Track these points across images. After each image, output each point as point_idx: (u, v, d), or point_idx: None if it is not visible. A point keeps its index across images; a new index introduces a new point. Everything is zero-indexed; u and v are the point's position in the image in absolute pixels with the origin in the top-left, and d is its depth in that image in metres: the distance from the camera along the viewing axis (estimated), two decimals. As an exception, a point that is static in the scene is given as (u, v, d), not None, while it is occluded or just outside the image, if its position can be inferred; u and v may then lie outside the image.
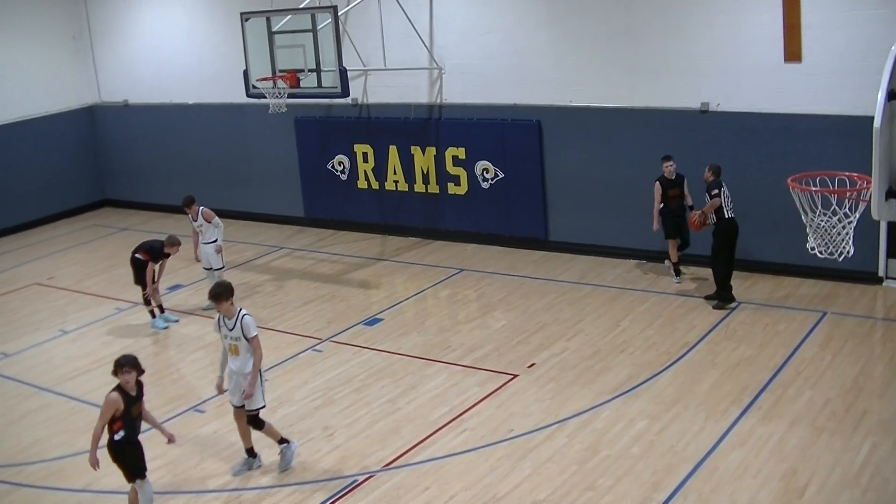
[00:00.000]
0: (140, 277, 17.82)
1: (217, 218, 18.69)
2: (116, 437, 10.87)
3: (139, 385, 11.08)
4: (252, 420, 12.20)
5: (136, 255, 17.81)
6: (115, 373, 10.90)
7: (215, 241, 18.60)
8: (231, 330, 11.94)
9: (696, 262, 18.06)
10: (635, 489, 11.30)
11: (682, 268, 18.09)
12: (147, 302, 18.03)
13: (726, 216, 16.16)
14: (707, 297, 16.47)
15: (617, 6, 18.41)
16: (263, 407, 12.26)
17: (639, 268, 18.88)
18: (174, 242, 17.86)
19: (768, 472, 11.40)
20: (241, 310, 12.05)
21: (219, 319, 12.10)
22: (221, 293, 12.02)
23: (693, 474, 11.48)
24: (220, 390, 12.29)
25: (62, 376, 16.24)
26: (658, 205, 17.59)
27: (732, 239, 16.40)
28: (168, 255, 17.95)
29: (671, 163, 17.42)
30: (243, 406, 12.14)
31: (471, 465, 12.17)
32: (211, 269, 18.74)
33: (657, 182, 17.57)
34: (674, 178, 17.48)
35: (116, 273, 21.61)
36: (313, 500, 11.71)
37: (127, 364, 10.86)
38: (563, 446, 12.42)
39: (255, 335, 11.96)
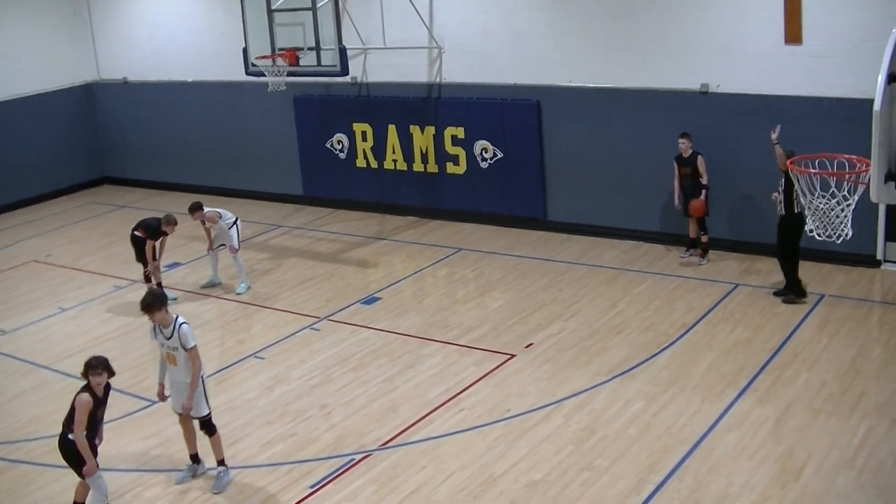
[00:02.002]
0: (140, 255, 17.77)
1: (222, 218, 18.24)
2: (71, 436, 10.71)
3: (107, 387, 10.89)
4: (204, 425, 11.78)
5: (135, 232, 17.75)
6: (86, 374, 10.66)
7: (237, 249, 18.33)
8: (168, 339, 11.50)
9: (712, 246, 18.01)
10: (631, 470, 11.33)
11: (696, 251, 18.11)
12: (147, 279, 17.97)
13: (795, 210, 15.73)
14: (776, 293, 16.18)
15: (617, -14, 18.41)
16: (209, 413, 11.81)
17: (637, 248, 18.88)
18: (170, 221, 17.66)
19: (765, 453, 11.44)
20: (177, 317, 11.58)
21: (155, 328, 11.61)
22: (152, 303, 11.48)
23: (690, 455, 11.52)
24: (162, 398, 11.97)
25: (60, 354, 16.26)
26: (675, 182, 17.60)
27: (800, 233, 15.98)
28: (166, 234, 17.79)
29: (683, 140, 17.35)
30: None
31: (468, 445, 12.20)
32: (221, 246, 18.56)
33: (675, 159, 17.57)
34: (687, 156, 17.42)
35: (114, 251, 21.61)
36: (311, 478, 11.74)
37: (99, 366, 10.65)
38: (560, 426, 12.45)
39: (194, 345, 11.44)
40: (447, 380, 14.07)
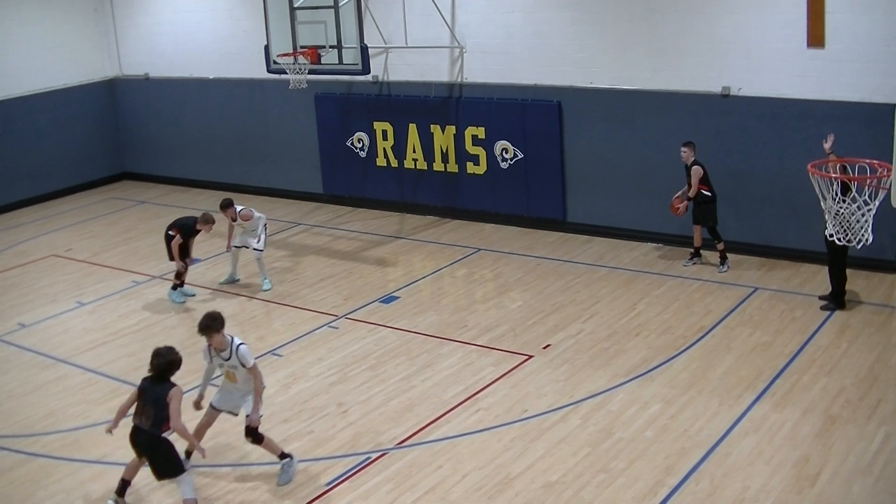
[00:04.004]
0: (170, 253, 17.71)
1: (255, 216, 18.16)
2: (166, 434, 10.83)
3: None
4: (251, 433, 11.68)
5: (169, 232, 17.67)
6: (173, 371, 10.90)
7: (262, 248, 18.21)
8: (227, 360, 11.51)
9: (732, 249, 17.89)
10: (648, 472, 11.31)
11: (699, 259, 18.06)
12: (178, 275, 17.88)
13: None
14: (822, 297, 16.01)
15: (640, -12, 18.38)
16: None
17: (656, 251, 18.84)
18: (207, 220, 17.56)
19: (781, 458, 11.40)
20: (233, 339, 11.55)
21: (209, 350, 11.61)
22: (210, 325, 11.44)
23: (706, 459, 11.49)
24: (198, 407, 11.96)
25: (78, 348, 16.32)
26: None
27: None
28: (198, 232, 17.68)
29: (684, 148, 17.25)
30: (224, 411, 11.97)
31: (484, 445, 12.20)
32: (244, 247, 18.44)
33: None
34: (689, 164, 17.29)
35: (134, 246, 21.71)
36: (326, 476, 11.76)
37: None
38: (577, 428, 12.43)
39: (254, 364, 11.49)
40: (464, 380, 14.07)
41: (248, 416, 11.61)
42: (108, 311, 17.95)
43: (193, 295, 17.99)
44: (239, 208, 18.09)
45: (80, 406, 14.17)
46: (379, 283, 18.41)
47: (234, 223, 18.27)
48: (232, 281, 18.72)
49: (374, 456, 12.13)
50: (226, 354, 11.50)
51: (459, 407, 13.25)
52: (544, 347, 14.96)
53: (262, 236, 18.21)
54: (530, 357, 14.65)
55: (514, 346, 15.12)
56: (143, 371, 15.01)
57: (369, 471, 11.79)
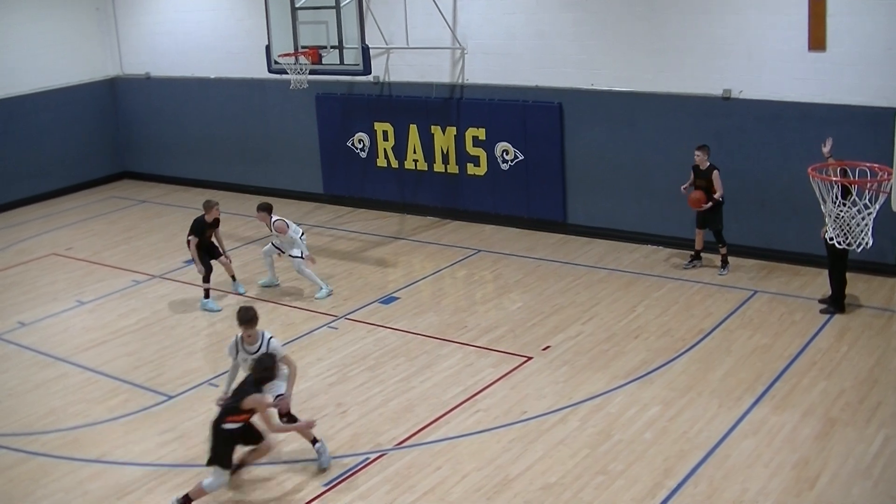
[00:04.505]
0: (194, 260, 17.49)
1: (290, 229, 17.64)
2: (230, 426, 11.01)
3: None
4: (285, 414, 11.94)
5: (188, 238, 17.43)
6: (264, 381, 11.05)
7: (300, 255, 17.63)
8: (254, 354, 11.71)
9: (732, 251, 17.81)
10: (647, 474, 11.31)
11: (699, 262, 18.03)
12: (205, 280, 17.57)
13: None
14: (821, 300, 16.05)
15: (641, -10, 18.38)
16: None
17: (656, 253, 18.84)
18: (209, 205, 17.38)
19: (780, 461, 11.40)
20: (263, 333, 11.99)
21: (237, 344, 11.94)
22: (255, 317, 11.93)
23: (705, 461, 11.49)
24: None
25: (78, 346, 16.33)
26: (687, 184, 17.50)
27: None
28: (210, 222, 17.42)
29: (699, 152, 17.16)
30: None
31: (483, 446, 12.20)
32: (280, 252, 18.05)
33: (692, 168, 17.46)
34: (704, 168, 17.19)
35: (134, 245, 21.72)
36: (324, 476, 11.76)
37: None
38: (576, 430, 12.44)
39: (286, 353, 12.02)
40: (464, 381, 14.07)
41: (279, 397, 11.83)
42: (108, 310, 17.95)
43: (219, 310, 17.53)
44: (275, 219, 17.64)
45: (79, 405, 14.17)
46: (379, 283, 18.41)
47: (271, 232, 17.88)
48: (272, 285, 18.51)
49: (373, 456, 12.14)
50: (254, 348, 11.80)
51: (459, 408, 13.25)
52: (544, 349, 14.96)
53: (304, 247, 17.74)
54: (530, 358, 14.65)
55: (514, 347, 15.11)
56: (142, 371, 15.20)
57: (368, 471, 11.79)
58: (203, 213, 17.49)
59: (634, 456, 11.73)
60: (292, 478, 11.82)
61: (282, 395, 11.88)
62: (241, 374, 11.84)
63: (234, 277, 18.27)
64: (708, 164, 17.14)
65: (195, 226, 17.43)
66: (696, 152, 17.18)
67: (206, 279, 17.58)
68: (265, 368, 11.06)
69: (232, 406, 11.03)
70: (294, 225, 17.88)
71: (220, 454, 11.09)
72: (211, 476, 11.08)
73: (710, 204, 17.07)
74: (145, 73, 27.36)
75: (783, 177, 17.28)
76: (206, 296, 17.66)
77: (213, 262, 17.65)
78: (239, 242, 21.01)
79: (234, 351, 12.02)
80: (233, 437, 11.14)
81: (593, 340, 15.15)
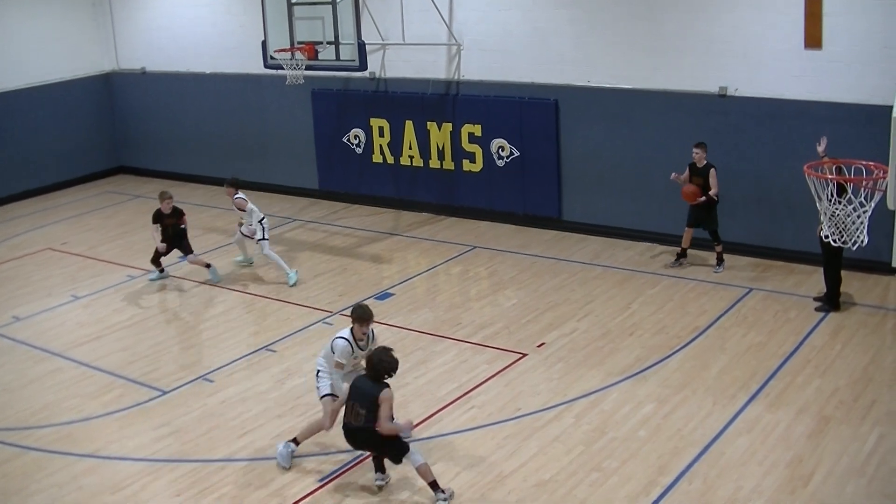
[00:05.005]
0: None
1: (247, 209, 18.62)
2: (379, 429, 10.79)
3: None
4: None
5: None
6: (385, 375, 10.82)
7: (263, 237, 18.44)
8: (364, 350, 11.74)
9: (727, 249, 17.80)
10: (641, 471, 11.32)
11: (685, 260, 18.03)
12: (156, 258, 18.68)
13: None
14: (816, 298, 16.02)
15: (638, -13, 18.37)
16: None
17: (651, 250, 18.84)
18: (163, 196, 18.42)
19: (774, 458, 11.41)
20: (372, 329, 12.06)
21: (354, 343, 11.73)
22: (372, 315, 11.93)
23: (699, 459, 11.50)
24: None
25: (73, 341, 16.31)
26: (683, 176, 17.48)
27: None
28: (168, 215, 18.32)
29: (697, 150, 17.13)
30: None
31: (477, 443, 12.20)
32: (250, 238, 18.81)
33: (688, 165, 17.45)
34: (701, 166, 17.16)
35: (130, 240, 21.70)
36: (319, 472, 11.76)
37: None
38: (570, 427, 12.44)
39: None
40: (458, 377, 14.07)
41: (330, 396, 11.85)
42: (103, 305, 17.93)
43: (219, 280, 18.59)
44: (238, 195, 18.59)
45: (73, 400, 14.16)
46: (374, 279, 18.40)
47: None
48: (247, 263, 19.28)
49: (367, 453, 12.11)
50: (364, 343, 11.82)
51: (453, 404, 13.25)
52: (538, 346, 14.96)
53: (258, 231, 18.25)
54: (524, 355, 14.65)
55: (509, 344, 15.11)
56: (137, 366, 15.19)
57: (363, 467, 11.78)
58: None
59: (629, 453, 11.73)
60: (287, 473, 11.81)
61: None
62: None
63: (208, 265, 18.74)
64: (705, 161, 17.13)
65: (154, 217, 18.47)
66: (695, 150, 17.15)
67: (156, 260, 18.81)
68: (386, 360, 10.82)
69: (371, 416, 10.72)
70: (257, 210, 18.54)
71: (399, 447, 10.89)
72: (412, 457, 10.87)
73: (704, 199, 17.05)
74: (141, 68, 27.33)
75: (779, 174, 17.28)
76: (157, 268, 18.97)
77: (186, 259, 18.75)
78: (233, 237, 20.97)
79: (351, 354, 11.73)
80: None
81: (588, 337, 15.15)
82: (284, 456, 11.95)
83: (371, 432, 10.75)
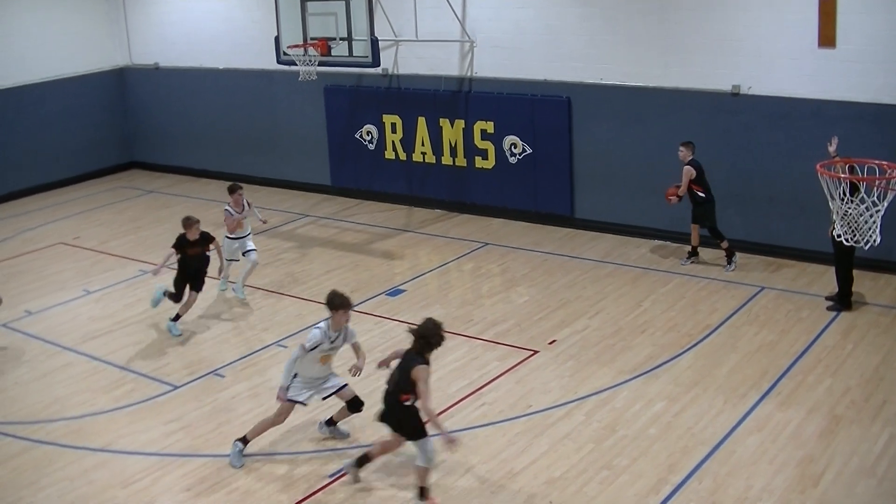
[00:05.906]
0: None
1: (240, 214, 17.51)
2: (409, 402, 10.74)
3: None
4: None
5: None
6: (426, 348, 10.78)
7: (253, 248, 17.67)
8: (333, 342, 11.77)
9: (738, 248, 17.80)
10: (651, 470, 11.31)
11: (696, 258, 18.06)
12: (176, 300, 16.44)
13: None
14: (828, 297, 15.99)
15: (651, -15, 18.35)
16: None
17: (663, 248, 18.83)
18: (189, 222, 16.04)
19: (785, 458, 11.39)
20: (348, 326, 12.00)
21: (326, 332, 11.65)
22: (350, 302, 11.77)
23: (710, 457, 11.49)
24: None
25: (85, 336, 16.35)
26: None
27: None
28: (193, 242, 16.08)
29: (681, 148, 17.25)
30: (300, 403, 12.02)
31: (488, 440, 12.21)
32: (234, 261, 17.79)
33: None
34: (685, 163, 17.25)
35: (142, 235, 21.75)
36: (329, 468, 11.77)
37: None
38: (581, 424, 12.43)
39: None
40: (469, 374, 14.07)
41: (355, 366, 12.05)
42: (115, 299, 17.97)
43: (179, 335, 16.31)
44: (226, 207, 17.50)
45: (85, 394, 14.19)
46: (385, 276, 18.41)
47: (241, 214, 17.47)
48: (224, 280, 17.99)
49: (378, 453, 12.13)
50: (334, 335, 11.76)
51: (464, 401, 13.26)
52: (550, 343, 14.96)
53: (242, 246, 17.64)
54: (536, 352, 14.65)
55: (520, 341, 15.11)
56: (147, 361, 15.23)
57: (373, 464, 11.77)
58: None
59: (639, 451, 11.73)
60: (298, 468, 11.83)
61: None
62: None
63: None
64: (689, 158, 17.12)
65: (176, 243, 16.11)
66: (680, 147, 17.21)
67: (177, 299, 16.39)
68: (431, 335, 10.77)
69: (402, 386, 10.70)
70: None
71: (418, 427, 10.86)
72: (420, 452, 10.87)
73: (676, 199, 17.18)
74: (154, 63, 27.38)
75: (791, 173, 17.25)
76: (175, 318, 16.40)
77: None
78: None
79: (324, 342, 11.69)
80: (416, 409, 10.85)
81: (599, 335, 15.15)
82: (235, 455, 11.99)
83: (395, 400, 10.78)
